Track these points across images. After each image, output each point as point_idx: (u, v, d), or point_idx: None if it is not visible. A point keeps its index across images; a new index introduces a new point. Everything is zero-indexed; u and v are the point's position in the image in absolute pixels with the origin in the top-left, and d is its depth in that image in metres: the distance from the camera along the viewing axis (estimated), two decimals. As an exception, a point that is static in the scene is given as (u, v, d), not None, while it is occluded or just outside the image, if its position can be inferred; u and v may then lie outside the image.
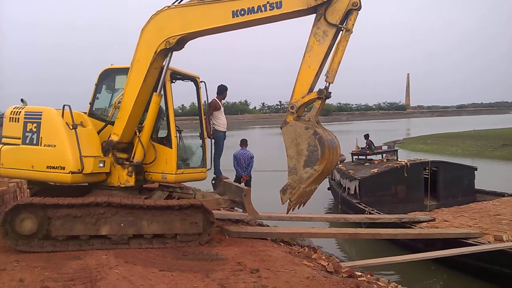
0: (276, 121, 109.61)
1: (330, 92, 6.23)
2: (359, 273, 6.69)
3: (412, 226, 10.96)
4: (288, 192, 6.07)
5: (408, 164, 14.41)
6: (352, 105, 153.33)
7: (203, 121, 8.50)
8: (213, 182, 9.04)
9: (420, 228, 10.83)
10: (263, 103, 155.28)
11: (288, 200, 6.13)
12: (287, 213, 6.55)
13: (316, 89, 6.25)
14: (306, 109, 6.42)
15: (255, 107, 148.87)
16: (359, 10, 6.13)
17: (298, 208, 6.51)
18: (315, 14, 6.28)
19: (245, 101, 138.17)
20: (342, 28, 6.12)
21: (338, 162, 12.36)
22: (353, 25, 6.13)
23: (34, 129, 6.99)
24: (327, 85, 6.18)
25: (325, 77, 6.19)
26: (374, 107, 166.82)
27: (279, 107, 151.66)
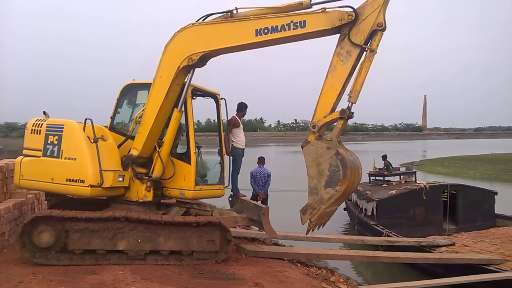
0: (291, 139, 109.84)
1: (353, 113, 6.17)
2: (379, 298, 6.50)
3: (431, 250, 10.71)
4: (309, 213, 5.98)
5: (427, 186, 14.14)
6: (368, 125, 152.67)
7: (222, 138, 8.49)
8: (230, 199, 8.98)
9: (440, 252, 10.56)
10: (279, 121, 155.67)
11: (308, 221, 6.03)
12: (306, 234, 6.45)
13: (338, 109, 6.21)
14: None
15: (270, 125, 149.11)
16: (384, 30, 6.13)
17: (318, 229, 6.41)
18: (339, 34, 6.28)
19: (261, 118, 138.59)
20: (366, 49, 6.10)
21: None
22: (377, 45, 6.11)
23: (55, 142, 7.04)
24: (349, 105, 6.14)
25: (348, 97, 6.14)
26: (390, 127, 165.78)
27: (294, 125, 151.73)
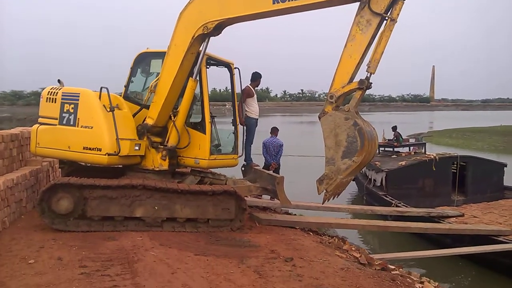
0: (297, 109, 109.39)
1: (371, 83, 6.11)
2: (392, 266, 6.62)
3: (441, 221, 10.81)
4: (325, 183, 6.01)
5: (437, 158, 14.17)
6: (375, 95, 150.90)
7: (236, 108, 8.47)
8: (243, 169, 9.03)
9: (449, 223, 10.66)
10: (285, 91, 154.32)
11: (325, 191, 6.08)
12: (323, 203, 6.49)
13: (356, 79, 6.15)
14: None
15: (276, 95, 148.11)
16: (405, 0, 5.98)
17: (333, 199, 6.46)
18: (358, 3, 6.15)
19: (267, 88, 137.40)
20: (387, 18, 5.98)
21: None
22: (398, 14, 5.98)
23: (71, 110, 7.07)
24: (368, 75, 6.06)
25: (366, 67, 6.07)
26: (397, 98, 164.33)
27: (301, 95, 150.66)
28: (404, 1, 5.96)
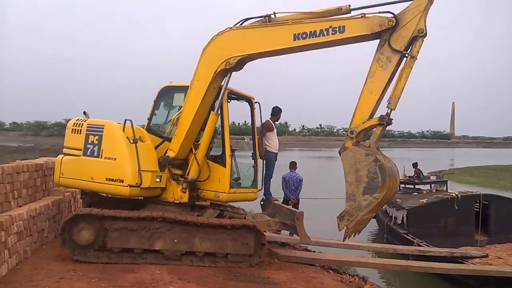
0: (315, 144, 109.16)
1: (392, 119, 6.13)
2: (415, 308, 6.41)
3: (464, 261, 10.47)
4: (346, 219, 5.95)
5: (459, 196, 13.87)
6: (394, 131, 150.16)
7: (256, 142, 8.53)
8: (262, 203, 9.00)
9: (473, 264, 10.32)
10: (303, 125, 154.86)
11: (345, 227, 6.00)
12: (343, 241, 6.42)
13: (376, 115, 6.18)
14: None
15: (294, 129, 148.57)
16: (425, 37, 6.08)
17: (354, 236, 6.36)
18: (378, 40, 6.25)
19: (285, 122, 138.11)
20: (407, 55, 6.05)
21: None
22: (418, 52, 6.07)
23: (96, 142, 7.21)
24: (388, 111, 6.10)
25: (387, 103, 6.10)
26: (417, 134, 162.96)
27: (319, 130, 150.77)
28: (424, 38, 6.04)
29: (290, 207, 8.71)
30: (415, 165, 17.36)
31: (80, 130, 7.42)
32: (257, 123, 8.71)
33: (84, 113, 7.86)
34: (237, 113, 8.95)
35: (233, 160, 7.79)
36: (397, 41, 6.09)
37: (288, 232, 8.81)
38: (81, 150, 7.31)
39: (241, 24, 7.17)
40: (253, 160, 8.41)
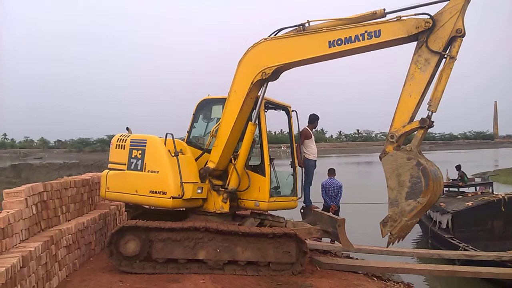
0: (353, 149, 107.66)
1: (433, 121, 6.02)
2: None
3: (514, 266, 10.05)
4: (389, 225, 5.87)
5: (506, 197, 13.34)
6: (435, 134, 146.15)
7: (294, 150, 8.55)
8: (302, 211, 8.98)
9: (524, 268, 9.88)
10: (340, 131, 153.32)
11: (389, 233, 5.91)
12: (387, 247, 6.31)
13: (417, 118, 6.08)
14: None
15: (331, 136, 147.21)
16: (464, 36, 5.95)
17: (398, 241, 6.25)
18: (415, 42, 6.17)
19: (322, 129, 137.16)
20: (446, 56, 5.94)
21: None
22: (457, 52, 5.94)
23: (139, 156, 7.44)
24: (429, 113, 6.00)
25: (427, 105, 6.00)
26: (459, 136, 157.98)
27: (356, 135, 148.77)
28: (463, 38, 5.91)
29: (330, 214, 8.66)
30: (458, 167, 16.85)
31: (124, 145, 7.69)
32: (295, 131, 8.75)
33: (127, 128, 8.14)
34: (273, 122, 9.03)
35: (272, 169, 7.84)
36: (435, 42, 5.99)
37: (330, 239, 8.74)
38: (125, 164, 7.57)
39: (275, 35, 7.25)
40: (292, 168, 8.44)
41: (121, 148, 7.68)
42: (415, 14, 6.16)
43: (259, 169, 7.73)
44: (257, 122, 7.51)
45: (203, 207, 7.61)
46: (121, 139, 7.79)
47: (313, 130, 9.56)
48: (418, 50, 6.09)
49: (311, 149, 9.18)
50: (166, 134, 7.37)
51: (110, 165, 7.90)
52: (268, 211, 8.18)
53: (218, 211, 7.50)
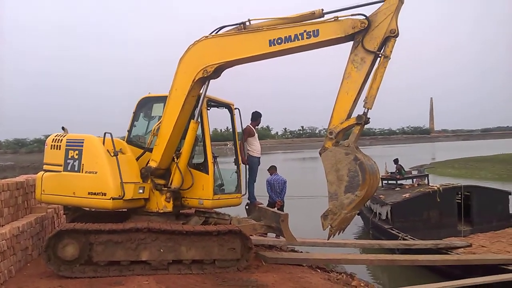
0: (298, 146, 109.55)
1: (369, 118, 6.26)
2: (402, 301, 6.53)
3: (449, 252, 10.68)
4: (330, 218, 6.05)
5: (441, 188, 14.14)
6: (375, 129, 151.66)
7: (238, 147, 8.59)
8: (247, 207, 9.05)
9: (458, 254, 10.54)
10: (285, 128, 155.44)
11: (330, 226, 6.10)
12: (328, 239, 6.51)
13: (354, 115, 6.30)
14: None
15: (277, 132, 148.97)
16: (397, 37, 6.22)
17: (339, 234, 6.46)
18: (352, 42, 6.38)
19: (267, 126, 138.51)
20: (380, 55, 6.19)
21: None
22: (391, 51, 6.21)
23: (76, 156, 7.18)
24: (365, 111, 6.23)
25: (363, 103, 6.23)
26: (397, 131, 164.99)
27: (301, 132, 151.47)
28: (396, 38, 6.19)
29: (275, 209, 8.78)
30: (396, 161, 17.63)
31: (60, 145, 7.39)
32: (238, 129, 8.78)
33: (63, 128, 7.81)
34: (218, 119, 9.03)
35: (215, 167, 7.84)
36: (370, 42, 6.22)
37: (275, 234, 8.87)
38: (61, 165, 7.28)
39: (216, 33, 7.25)
40: (235, 166, 8.47)
41: (57, 149, 7.38)
42: (352, 15, 6.37)
43: (202, 167, 7.69)
44: (199, 120, 7.47)
45: (146, 207, 7.47)
46: (56, 139, 7.47)
47: (256, 127, 9.63)
48: (354, 50, 6.30)
49: (254, 146, 9.25)
50: (105, 133, 7.17)
51: (45, 167, 7.55)
52: (213, 209, 8.16)
53: (161, 211, 7.40)
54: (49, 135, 7.85)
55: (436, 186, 14.80)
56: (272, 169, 10.85)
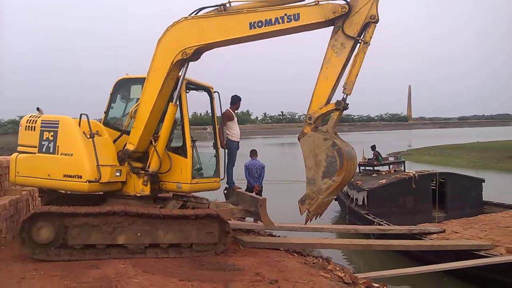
0: (278, 131, 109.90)
1: (348, 104, 6.29)
2: (376, 285, 6.66)
3: (423, 238, 10.91)
4: (307, 203, 6.09)
5: (416, 175, 14.40)
6: (354, 115, 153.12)
7: (217, 131, 8.54)
8: (226, 192, 9.04)
9: (432, 239, 10.78)
10: (265, 113, 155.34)
11: (307, 211, 6.14)
12: (305, 224, 6.57)
13: (333, 100, 6.31)
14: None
15: (257, 117, 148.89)
16: (377, 22, 6.22)
17: (316, 218, 6.52)
18: (332, 27, 6.36)
19: (247, 111, 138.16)
20: (360, 41, 6.19)
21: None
22: (370, 37, 6.21)
23: (51, 138, 7.03)
24: (344, 96, 6.25)
25: (342, 88, 6.25)
26: (376, 118, 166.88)
27: (281, 117, 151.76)
28: (376, 24, 6.19)
29: (253, 194, 8.80)
30: (373, 147, 17.86)
31: (34, 126, 7.22)
32: (218, 113, 8.72)
33: (38, 109, 7.62)
34: (198, 103, 8.94)
35: (194, 151, 7.78)
36: (350, 27, 6.21)
37: (252, 219, 8.91)
38: (36, 147, 7.12)
39: (196, 14, 7.13)
40: (214, 150, 8.43)
41: (31, 130, 7.20)
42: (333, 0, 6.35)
43: (180, 150, 7.64)
44: (178, 103, 7.38)
45: (123, 191, 7.39)
46: (31, 120, 7.28)
47: (236, 111, 9.58)
48: (334, 35, 6.29)
49: (233, 130, 9.21)
50: (81, 114, 7.01)
51: (19, 148, 7.37)
52: (191, 193, 8.13)
53: (139, 194, 7.33)
54: (23, 116, 7.65)
55: (412, 172, 15.08)
56: (253, 154, 10.86)
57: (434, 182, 14.58)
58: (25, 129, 7.33)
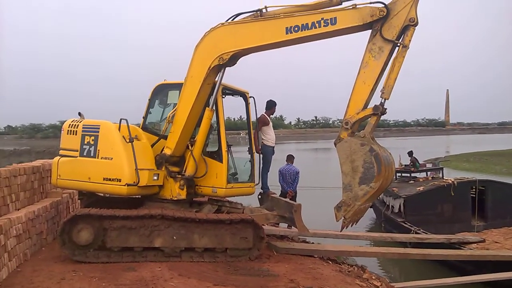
0: (311, 136, 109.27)
1: (386, 108, 6.17)
2: (414, 295, 6.49)
3: (462, 247, 10.59)
4: (343, 209, 6.01)
5: (455, 182, 13.98)
6: (390, 121, 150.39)
7: (252, 136, 8.56)
8: (260, 197, 9.04)
9: (471, 249, 10.43)
10: (299, 118, 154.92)
11: (343, 218, 6.06)
12: (341, 231, 6.48)
13: (371, 105, 6.22)
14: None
15: (290, 122, 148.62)
16: (416, 26, 6.10)
17: (352, 225, 6.42)
18: (370, 30, 6.27)
19: (280, 116, 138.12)
20: (399, 44, 6.08)
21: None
22: (410, 41, 6.09)
23: (92, 142, 7.22)
24: (382, 101, 6.15)
25: (380, 93, 6.14)
26: (412, 123, 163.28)
27: (315, 122, 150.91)
28: (416, 27, 6.06)
29: (287, 199, 8.77)
30: (410, 153, 17.48)
31: (76, 131, 7.43)
32: (253, 118, 8.74)
33: (79, 114, 7.86)
34: (232, 108, 9.00)
35: (229, 155, 7.82)
36: (388, 31, 6.11)
37: (287, 224, 8.86)
38: (77, 151, 7.33)
39: (233, 20, 7.18)
40: (249, 155, 8.45)
41: (73, 134, 7.42)
42: (370, 3, 6.25)
43: (216, 155, 7.68)
44: (214, 108, 7.45)
45: (160, 194, 7.49)
46: (73, 124, 7.52)
47: (271, 116, 9.58)
48: (372, 38, 6.19)
49: (269, 135, 9.22)
50: (120, 119, 7.18)
51: (61, 152, 7.61)
52: (226, 198, 8.17)
53: (175, 198, 7.42)
54: (65, 121, 7.90)
55: (450, 179, 14.66)
56: (289, 159, 10.82)
57: (474, 189, 14.10)
58: (67, 133, 7.56)
